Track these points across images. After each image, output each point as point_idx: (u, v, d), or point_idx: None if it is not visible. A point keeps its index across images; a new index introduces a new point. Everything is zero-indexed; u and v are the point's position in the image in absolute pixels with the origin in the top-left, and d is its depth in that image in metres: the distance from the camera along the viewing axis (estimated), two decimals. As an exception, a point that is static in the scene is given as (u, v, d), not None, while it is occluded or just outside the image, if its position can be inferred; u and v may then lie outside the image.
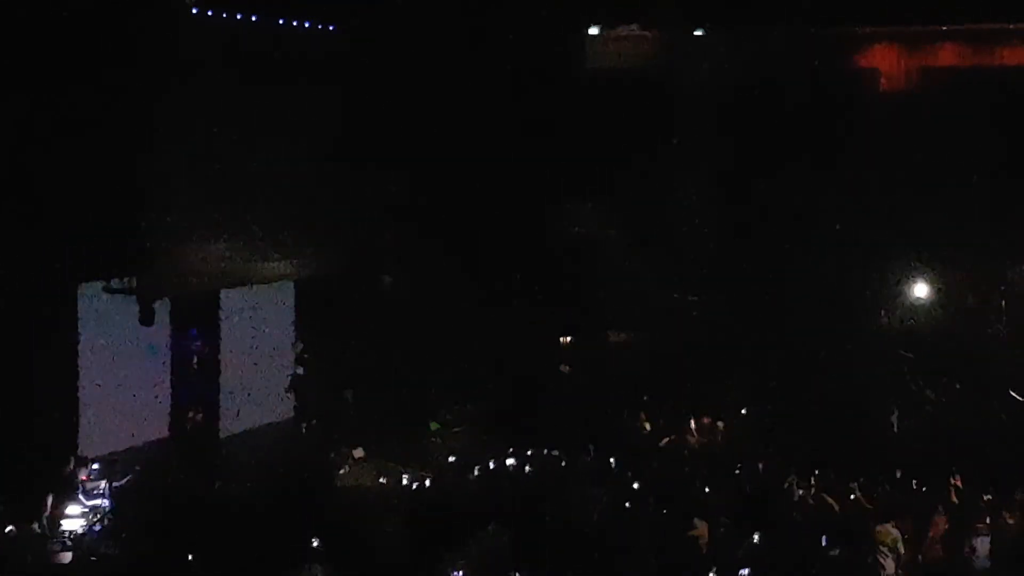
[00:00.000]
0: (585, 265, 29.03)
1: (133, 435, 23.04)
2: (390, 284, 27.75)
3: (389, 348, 26.99)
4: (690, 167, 29.51)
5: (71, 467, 20.83)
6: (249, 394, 25.32)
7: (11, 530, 18.25)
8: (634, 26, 30.02)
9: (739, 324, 28.88)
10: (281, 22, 24.74)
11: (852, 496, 20.15)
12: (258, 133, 24.22)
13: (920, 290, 28.95)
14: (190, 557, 16.95)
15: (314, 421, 26.21)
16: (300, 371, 26.56)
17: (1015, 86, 28.41)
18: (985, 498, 19.74)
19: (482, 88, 26.70)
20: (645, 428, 25.59)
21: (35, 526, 18.84)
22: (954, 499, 19.66)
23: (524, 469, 23.39)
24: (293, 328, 26.78)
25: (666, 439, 25.31)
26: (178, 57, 22.31)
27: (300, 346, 26.78)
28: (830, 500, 19.99)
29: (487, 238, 27.22)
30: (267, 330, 26.03)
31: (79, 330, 22.24)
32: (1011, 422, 25.01)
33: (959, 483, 20.07)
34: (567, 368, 29.47)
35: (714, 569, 17.18)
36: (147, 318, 22.45)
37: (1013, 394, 25.82)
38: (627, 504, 20.27)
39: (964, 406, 25.72)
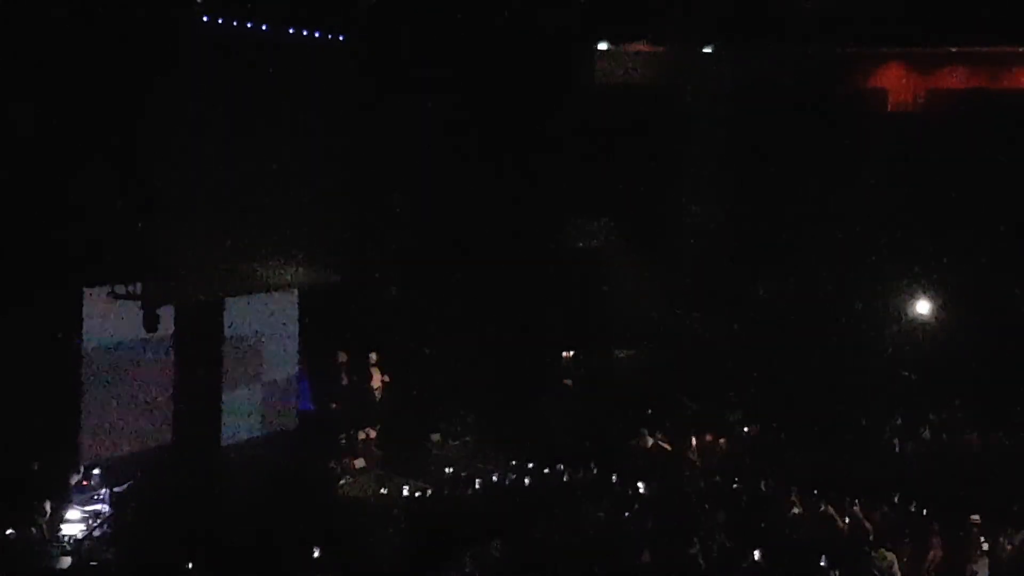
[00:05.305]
0: (589, 280, 29.05)
1: (134, 440, 23.02)
2: (395, 294, 27.76)
3: (392, 358, 27.03)
4: (696, 183, 29.57)
5: (72, 471, 20.87)
6: (251, 402, 25.33)
7: (11, 534, 18.30)
8: (643, 42, 30.08)
9: (742, 341, 28.92)
10: (291, 31, 24.79)
11: (848, 518, 20.15)
12: (265, 142, 24.26)
13: (923, 311, 28.99)
14: (190, 564, 16.97)
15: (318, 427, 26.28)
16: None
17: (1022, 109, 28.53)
18: (983, 522, 19.70)
19: (490, 101, 26.73)
20: (647, 444, 25.56)
21: (34, 530, 18.88)
22: (953, 523, 19.63)
23: (525, 482, 23.44)
24: (297, 336, 26.75)
25: (667, 455, 25.35)
26: (187, 65, 22.35)
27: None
28: (835, 516, 20.01)
29: (492, 251, 27.24)
30: (270, 338, 26.05)
31: (83, 334, 22.28)
32: (1012, 445, 25.00)
33: (961, 509, 20.05)
34: (569, 382, 29.48)
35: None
36: (151, 324, 22.46)
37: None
38: (627, 520, 20.30)
39: (965, 428, 25.72)
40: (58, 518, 19.50)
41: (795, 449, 24.86)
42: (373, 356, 27.03)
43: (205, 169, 23.12)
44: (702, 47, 29.94)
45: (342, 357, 26.75)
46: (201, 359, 24.24)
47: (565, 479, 23.52)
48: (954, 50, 29.38)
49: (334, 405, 27.02)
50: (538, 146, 27.42)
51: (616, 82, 29.80)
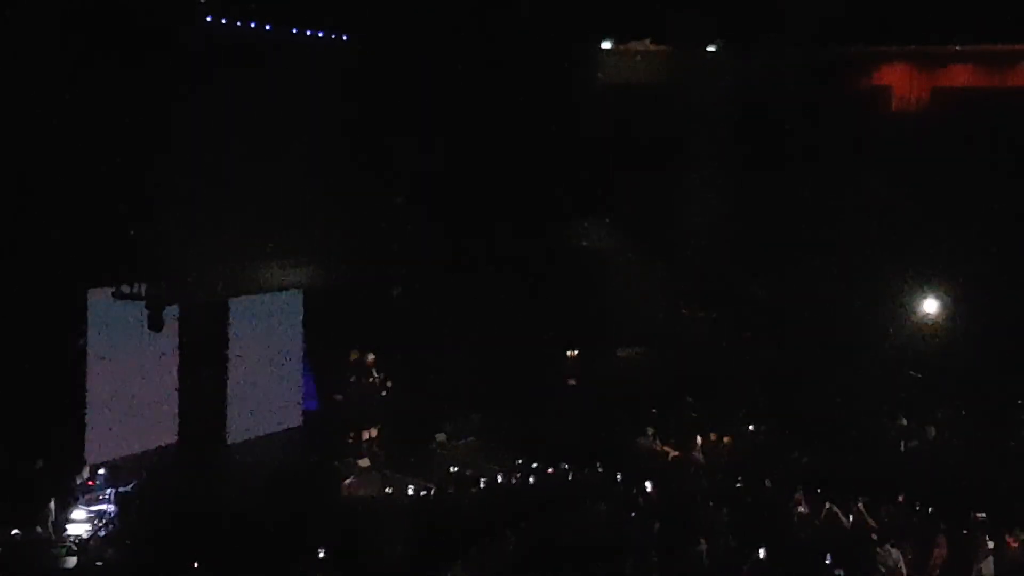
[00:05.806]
0: (593, 279, 29.03)
1: (140, 441, 23.02)
2: (399, 294, 27.76)
3: (397, 358, 27.03)
4: (700, 183, 29.54)
5: (77, 471, 20.88)
6: (256, 402, 25.32)
7: (16, 534, 18.31)
8: (647, 41, 30.06)
9: (746, 340, 28.90)
10: (294, 31, 24.80)
11: (852, 517, 20.14)
12: (270, 141, 24.27)
13: (929, 310, 28.95)
14: (195, 564, 16.98)
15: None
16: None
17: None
18: (988, 520, 19.68)
19: (493, 100, 26.73)
20: (651, 443, 25.55)
21: (39, 530, 18.89)
22: (958, 521, 19.61)
23: (529, 482, 23.43)
24: (301, 337, 26.76)
25: (672, 454, 25.34)
26: (190, 65, 22.36)
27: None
28: (840, 515, 20.00)
29: (496, 250, 27.25)
30: (275, 338, 26.06)
31: (88, 335, 22.30)
32: (1016, 443, 24.99)
33: (966, 507, 20.03)
34: (573, 382, 29.48)
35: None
36: (156, 324, 22.48)
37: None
38: (632, 519, 20.29)
39: (969, 427, 25.70)
40: (63, 518, 19.51)
41: (799, 448, 24.84)
42: (377, 356, 26.98)
43: (208, 169, 23.13)
44: (706, 46, 29.91)
45: (353, 356, 26.70)
46: (205, 359, 24.27)
47: (570, 479, 23.52)
48: (959, 48, 29.33)
49: (338, 402, 26.98)
50: (541, 146, 27.39)
51: (619, 81, 29.78)
